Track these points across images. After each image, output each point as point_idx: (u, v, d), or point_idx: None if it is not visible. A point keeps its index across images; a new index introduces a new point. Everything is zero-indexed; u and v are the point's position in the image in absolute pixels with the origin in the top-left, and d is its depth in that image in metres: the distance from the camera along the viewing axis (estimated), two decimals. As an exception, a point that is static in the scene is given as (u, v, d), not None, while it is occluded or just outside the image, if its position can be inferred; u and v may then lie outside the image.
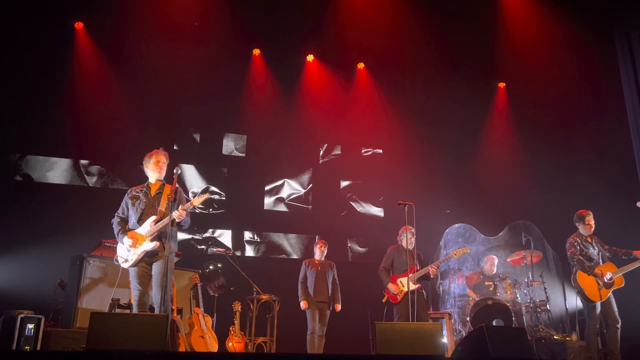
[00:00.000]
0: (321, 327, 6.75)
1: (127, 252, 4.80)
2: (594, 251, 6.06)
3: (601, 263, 6.03)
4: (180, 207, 4.78)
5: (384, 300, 6.52)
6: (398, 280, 6.43)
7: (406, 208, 5.81)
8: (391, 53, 9.08)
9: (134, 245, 4.76)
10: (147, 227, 4.80)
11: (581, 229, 6.15)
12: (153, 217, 4.82)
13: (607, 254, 6.08)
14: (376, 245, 8.04)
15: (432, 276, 6.47)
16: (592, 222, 6.11)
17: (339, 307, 6.89)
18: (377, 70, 9.40)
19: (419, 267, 6.42)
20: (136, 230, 4.84)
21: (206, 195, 4.96)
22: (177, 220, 4.76)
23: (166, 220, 4.70)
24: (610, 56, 8.76)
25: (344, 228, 9.12)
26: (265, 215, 8.97)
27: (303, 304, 6.79)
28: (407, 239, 6.50)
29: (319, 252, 7.13)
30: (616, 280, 5.90)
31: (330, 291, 6.89)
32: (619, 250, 6.05)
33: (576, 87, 9.08)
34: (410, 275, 6.18)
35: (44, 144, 7.98)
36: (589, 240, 6.12)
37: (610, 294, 5.95)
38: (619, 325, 5.92)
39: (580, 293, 5.97)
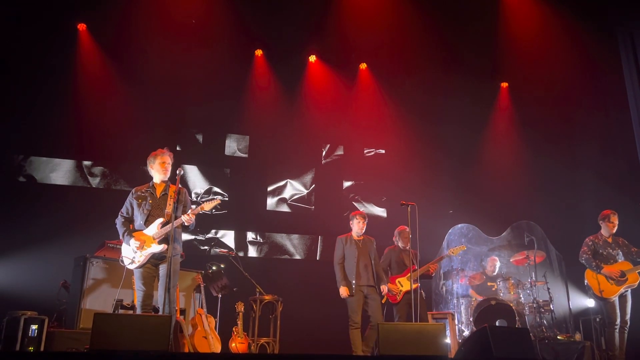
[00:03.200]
0: (376, 317, 5.82)
1: (133, 253, 4.80)
2: (613, 251, 6.07)
3: (619, 262, 6.05)
4: (190, 211, 4.80)
5: (383, 301, 6.52)
6: (397, 281, 6.44)
7: (409, 208, 5.81)
8: (393, 53, 9.08)
9: (141, 247, 4.76)
10: (155, 229, 4.80)
11: (603, 229, 6.22)
12: (160, 219, 4.82)
13: (634, 257, 6.06)
14: (379, 246, 8.00)
15: (432, 273, 6.48)
16: (616, 222, 6.16)
17: (385, 288, 6.08)
18: (379, 70, 9.39)
19: (417, 266, 6.42)
20: (143, 232, 4.85)
21: (217, 200, 4.94)
22: (186, 223, 4.78)
23: (175, 222, 4.71)
24: (613, 55, 8.75)
25: (346, 229, 9.03)
26: (267, 216, 8.97)
27: (343, 291, 5.93)
28: (404, 239, 6.51)
29: (358, 227, 6.23)
30: (630, 277, 5.90)
31: (375, 273, 6.06)
32: None
33: (579, 87, 9.08)
34: (409, 275, 6.17)
35: (47, 145, 7.99)
36: (609, 240, 6.14)
37: (627, 294, 5.96)
38: (626, 328, 5.93)
39: (589, 290, 6.03)
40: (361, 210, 9.36)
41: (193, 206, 4.94)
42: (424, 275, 6.46)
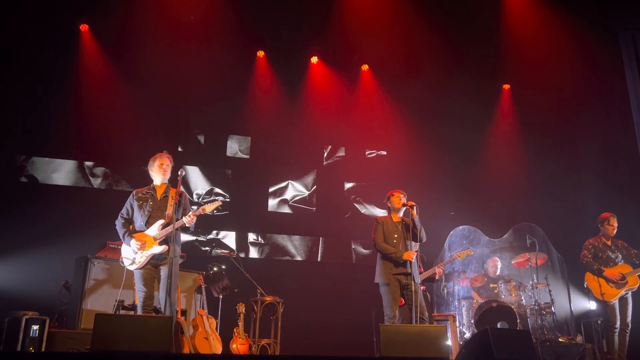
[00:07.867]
0: (421, 309, 5.26)
1: (133, 254, 4.81)
2: (612, 254, 6.06)
3: (618, 265, 6.04)
4: (191, 212, 4.82)
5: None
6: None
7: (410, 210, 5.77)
8: (395, 55, 9.07)
9: (142, 247, 4.77)
10: (156, 230, 4.83)
11: (602, 231, 6.22)
12: (161, 221, 4.85)
13: (633, 259, 6.05)
14: (380, 247, 8.01)
15: (437, 277, 6.45)
16: (615, 225, 6.15)
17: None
18: (381, 72, 9.38)
19: (423, 269, 6.40)
20: (144, 233, 4.86)
21: (218, 203, 4.98)
22: (187, 225, 4.80)
23: (176, 224, 4.72)
24: (615, 57, 8.72)
25: (348, 230, 9.11)
26: (269, 217, 8.97)
27: (407, 255, 5.33)
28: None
29: (396, 204, 5.59)
30: (630, 280, 5.89)
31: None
32: None
33: (581, 89, 9.05)
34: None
35: (49, 145, 8.01)
36: (609, 243, 6.13)
37: (628, 297, 5.95)
38: (627, 330, 5.92)
39: (589, 293, 6.03)
40: (363, 211, 9.38)
41: (194, 207, 4.95)
42: (428, 278, 6.44)
